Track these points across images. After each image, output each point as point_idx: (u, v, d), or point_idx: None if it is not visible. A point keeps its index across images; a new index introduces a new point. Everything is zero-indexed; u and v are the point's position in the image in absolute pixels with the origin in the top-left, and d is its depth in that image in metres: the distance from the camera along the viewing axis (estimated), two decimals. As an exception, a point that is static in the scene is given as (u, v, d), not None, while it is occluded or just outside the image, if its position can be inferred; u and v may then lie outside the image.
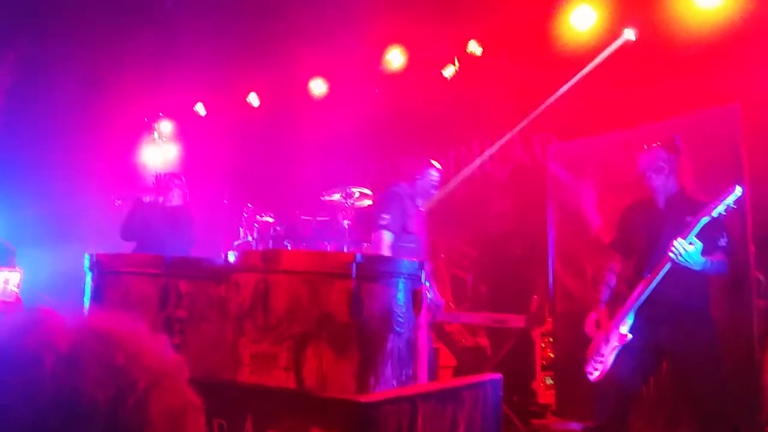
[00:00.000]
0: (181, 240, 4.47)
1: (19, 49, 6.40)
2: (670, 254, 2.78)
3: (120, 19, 6.17)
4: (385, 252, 3.85)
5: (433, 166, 4.30)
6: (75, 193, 6.70)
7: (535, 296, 5.44)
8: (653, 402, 3.82)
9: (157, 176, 4.71)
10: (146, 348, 0.70)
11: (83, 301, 2.60)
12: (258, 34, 6.25)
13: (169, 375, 0.70)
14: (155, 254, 2.61)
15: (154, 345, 0.73)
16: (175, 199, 4.73)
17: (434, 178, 4.26)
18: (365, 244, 4.36)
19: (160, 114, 8.13)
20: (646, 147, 3.19)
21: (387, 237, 3.86)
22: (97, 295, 2.52)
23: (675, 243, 2.76)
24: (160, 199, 4.63)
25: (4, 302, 4.82)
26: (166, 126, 8.18)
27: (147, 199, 4.66)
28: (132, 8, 6.08)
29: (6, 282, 4.98)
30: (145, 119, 8.15)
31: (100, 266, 2.56)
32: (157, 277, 2.47)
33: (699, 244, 2.77)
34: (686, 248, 2.75)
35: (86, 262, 2.61)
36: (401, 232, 3.93)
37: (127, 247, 4.59)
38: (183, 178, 4.91)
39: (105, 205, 7.53)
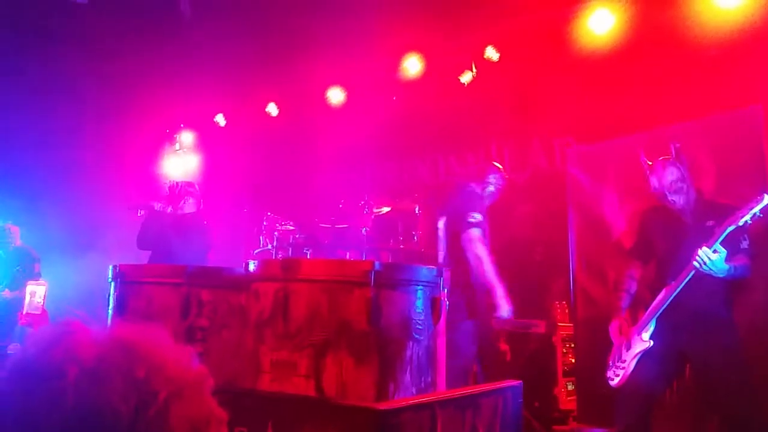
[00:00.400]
0: (194, 248, 4.47)
1: (42, 58, 6.54)
2: (695, 263, 2.76)
3: (141, 31, 6.28)
4: (480, 251, 3.88)
5: (499, 169, 4.36)
6: (98, 203, 6.82)
7: (557, 302, 5.40)
8: (676, 407, 3.77)
9: (170, 185, 4.72)
10: (169, 359, 0.72)
11: (107, 312, 2.65)
12: (276, 44, 6.31)
13: (192, 386, 0.72)
14: (177, 264, 2.65)
15: (177, 356, 0.74)
16: (189, 207, 4.73)
17: (500, 181, 4.32)
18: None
19: (182, 125, 8.26)
20: (650, 163, 3.15)
21: (479, 235, 3.89)
22: (121, 305, 2.56)
23: (700, 252, 2.74)
24: (169, 209, 4.64)
25: (31, 315, 4.90)
26: (187, 136, 8.31)
27: (158, 206, 4.66)
28: (152, 20, 6.19)
29: (33, 295, 5.06)
30: (167, 130, 8.28)
31: (123, 276, 2.61)
32: (179, 287, 2.51)
33: (723, 252, 2.75)
34: (710, 257, 2.73)
35: (109, 273, 2.66)
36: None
37: (144, 257, 4.64)
38: (197, 187, 4.92)
39: (128, 215, 7.67)
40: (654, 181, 3.12)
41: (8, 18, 6.06)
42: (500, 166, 4.45)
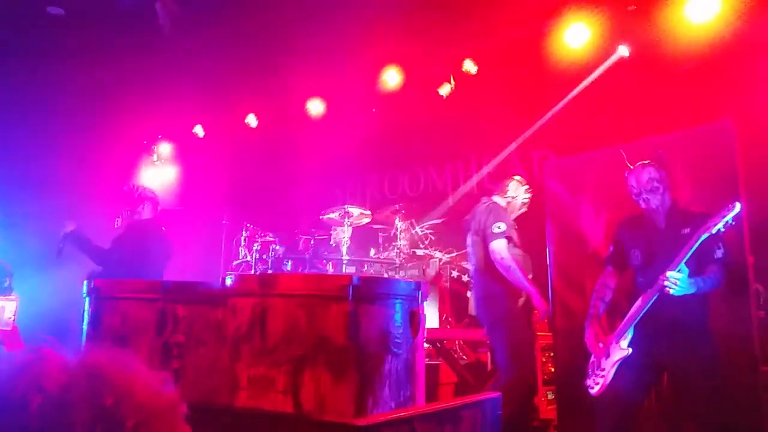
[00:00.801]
0: (152, 255, 4.33)
1: (18, 70, 6.46)
2: (666, 287, 2.80)
3: (120, 43, 6.23)
4: (507, 260, 3.95)
5: (521, 182, 4.44)
6: (75, 216, 6.71)
7: (535, 311, 5.43)
8: (656, 414, 3.80)
9: (128, 189, 4.56)
10: (138, 385, 0.71)
11: (81, 327, 2.61)
12: (256, 55, 6.31)
13: (162, 412, 0.71)
14: (152, 280, 2.62)
15: (147, 381, 0.73)
16: (146, 212, 4.55)
17: (523, 193, 4.41)
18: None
19: (159, 136, 8.20)
20: (631, 166, 3.21)
21: (505, 245, 3.93)
22: (95, 321, 2.52)
23: (668, 276, 2.78)
24: (126, 214, 4.47)
25: (1, 331, 4.76)
26: (165, 148, 8.25)
27: (117, 222, 4.54)
28: (131, 32, 6.15)
29: (2, 310, 4.94)
30: (145, 141, 8.21)
31: (98, 292, 2.57)
32: (155, 302, 2.47)
33: (686, 271, 2.79)
34: (677, 278, 2.78)
35: (84, 288, 2.62)
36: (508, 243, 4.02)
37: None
38: (155, 192, 4.73)
39: (105, 227, 7.54)
40: (632, 181, 3.18)
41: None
42: (520, 179, 4.55)
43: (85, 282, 2.63)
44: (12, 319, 4.53)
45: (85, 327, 2.58)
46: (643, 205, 3.14)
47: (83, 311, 2.62)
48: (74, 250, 4.34)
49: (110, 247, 4.32)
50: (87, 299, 2.60)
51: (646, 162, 3.20)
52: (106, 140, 7.62)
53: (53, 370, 0.68)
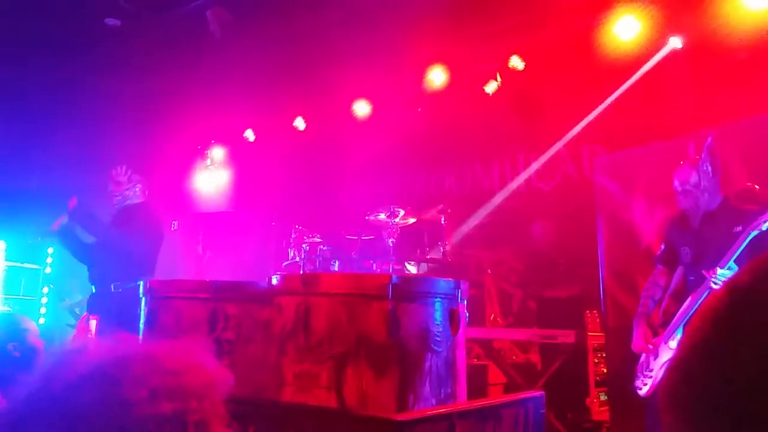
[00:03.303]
0: (143, 238, 4.23)
1: (76, 81, 6.78)
2: (713, 285, 2.73)
3: (172, 51, 6.47)
4: None
5: None
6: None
7: (587, 311, 5.34)
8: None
9: (116, 172, 4.39)
10: (198, 369, 0.79)
11: (138, 326, 2.74)
12: (302, 59, 6.43)
13: (214, 392, 0.79)
14: (204, 280, 2.73)
15: (206, 366, 0.81)
16: (135, 197, 4.43)
17: None
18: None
19: (212, 141, 8.46)
20: (681, 163, 3.13)
21: None
22: (151, 320, 2.65)
23: (718, 273, 2.72)
24: (117, 198, 4.37)
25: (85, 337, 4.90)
26: (218, 152, 8.50)
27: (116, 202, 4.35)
28: (183, 40, 6.37)
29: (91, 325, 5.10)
30: (198, 146, 8.48)
31: (153, 292, 2.70)
32: (207, 301, 2.58)
33: (735, 268, 2.72)
34: (727, 276, 2.70)
35: (140, 289, 2.76)
36: None
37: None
38: (142, 177, 4.59)
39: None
40: (675, 181, 3.12)
41: (46, 40, 6.32)
42: None
43: (141, 283, 2.76)
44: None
45: (141, 325, 2.71)
46: (677, 204, 3.08)
47: (140, 311, 2.75)
48: (74, 226, 4.24)
49: (104, 231, 4.22)
50: (143, 299, 2.74)
51: (694, 159, 3.11)
52: (162, 146, 7.92)
53: (141, 361, 0.76)
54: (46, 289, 7.28)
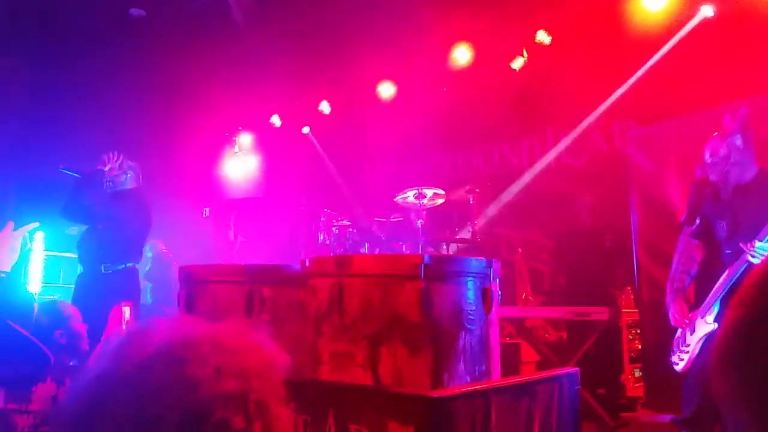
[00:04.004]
0: (134, 224, 4.34)
1: (104, 71, 6.88)
2: (750, 258, 2.68)
3: (197, 40, 6.52)
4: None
5: None
6: (161, 208, 7.12)
7: (621, 288, 5.29)
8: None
9: (108, 156, 4.38)
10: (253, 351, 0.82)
11: (175, 309, 2.82)
12: (326, 43, 6.43)
13: (273, 372, 0.82)
14: (240, 264, 2.78)
15: (265, 347, 0.84)
16: (129, 182, 4.46)
17: None
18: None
19: (240, 128, 8.54)
20: (715, 134, 3.07)
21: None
22: (189, 304, 2.72)
23: (756, 246, 2.67)
24: (108, 184, 4.38)
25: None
26: (245, 138, 8.59)
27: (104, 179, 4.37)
28: (207, 29, 6.42)
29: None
30: (226, 134, 8.58)
31: (190, 276, 2.77)
32: (242, 285, 2.64)
33: None
34: (765, 249, 2.65)
35: (178, 273, 2.83)
36: None
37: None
38: (136, 164, 4.59)
39: (191, 216, 7.98)
40: (705, 153, 3.06)
41: (76, 32, 6.43)
42: None
43: (178, 268, 2.84)
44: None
45: (179, 310, 2.79)
46: (709, 176, 3.02)
47: (177, 295, 2.83)
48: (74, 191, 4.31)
49: (92, 215, 4.31)
50: (180, 284, 2.81)
51: (724, 132, 3.04)
52: (191, 135, 8.03)
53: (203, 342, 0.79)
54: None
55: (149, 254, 7.09)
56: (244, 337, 0.83)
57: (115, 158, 4.39)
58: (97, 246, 4.27)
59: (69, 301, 3.81)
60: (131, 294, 4.17)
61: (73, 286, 4.61)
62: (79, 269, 4.44)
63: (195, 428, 0.72)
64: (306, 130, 7.97)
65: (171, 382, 0.74)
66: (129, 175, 4.46)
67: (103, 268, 4.21)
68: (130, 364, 0.76)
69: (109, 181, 4.38)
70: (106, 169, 4.35)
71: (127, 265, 4.31)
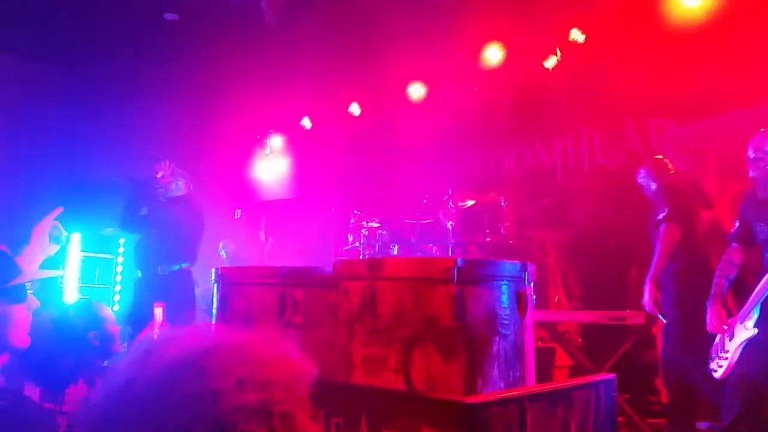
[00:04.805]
0: (183, 227, 4.47)
1: (140, 75, 7.01)
2: None
3: (228, 43, 6.59)
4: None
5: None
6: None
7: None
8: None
9: (160, 165, 4.52)
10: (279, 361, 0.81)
11: (211, 311, 2.85)
12: (356, 45, 6.44)
13: (299, 383, 0.80)
14: (272, 266, 2.80)
15: (291, 357, 0.83)
16: (178, 189, 4.59)
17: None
18: None
19: (271, 130, 8.62)
20: (761, 130, 2.98)
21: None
22: (224, 305, 2.75)
23: None
24: (161, 191, 4.51)
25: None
26: (276, 140, 8.66)
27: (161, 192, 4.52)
28: (238, 32, 6.49)
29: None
30: (258, 136, 8.67)
31: (224, 278, 2.80)
32: (276, 287, 2.65)
33: None
34: None
35: (212, 275, 2.86)
36: None
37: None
38: (184, 171, 4.74)
39: (223, 217, 8.08)
40: (749, 149, 2.97)
41: (111, 37, 6.56)
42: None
43: (213, 270, 2.87)
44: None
45: (214, 311, 2.82)
46: (749, 173, 2.93)
47: (212, 297, 2.86)
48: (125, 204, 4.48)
49: (146, 223, 4.45)
50: (215, 285, 2.84)
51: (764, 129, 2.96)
52: (223, 137, 8.13)
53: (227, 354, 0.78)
54: (119, 278, 7.65)
55: (223, 253, 7.27)
56: (270, 347, 0.82)
57: (167, 166, 4.55)
58: (154, 249, 4.42)
59: (128, 304, 3.93)
60: (186, 294, 4.36)
61: (132, 288, 4.81)
62: (137, 274, 4.60)
63: None
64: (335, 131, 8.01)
65: (193, 391, 0.73)
66: (180, 181, 4.61)
67: (159, 269, 4.36)
68: (155, 371, 0.76)
69: (161, 188, 4.52)
70: (159, 176, 4.50)
71: (182, 265, 4.46)
